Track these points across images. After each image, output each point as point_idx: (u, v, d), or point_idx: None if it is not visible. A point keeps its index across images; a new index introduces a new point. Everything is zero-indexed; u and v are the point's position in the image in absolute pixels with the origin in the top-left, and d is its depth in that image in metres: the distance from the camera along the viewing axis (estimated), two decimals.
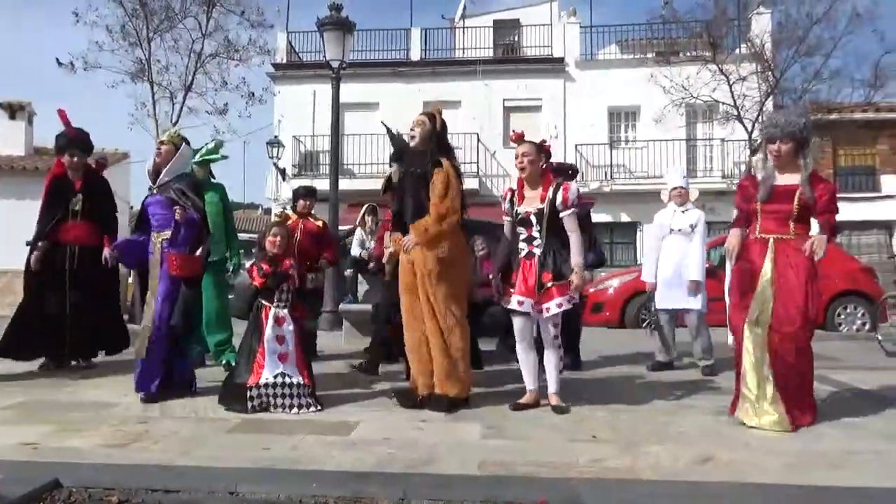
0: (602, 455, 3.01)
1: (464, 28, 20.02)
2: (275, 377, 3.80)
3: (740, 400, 3.63)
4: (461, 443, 3.21)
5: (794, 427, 3.46)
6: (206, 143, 5.44)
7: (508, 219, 4.07)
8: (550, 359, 3.95)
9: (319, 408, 3.84)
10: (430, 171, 3.91)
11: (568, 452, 3.04)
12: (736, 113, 13.74)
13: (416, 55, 19.38)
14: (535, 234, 3.92)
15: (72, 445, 3.08)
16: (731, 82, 13.65)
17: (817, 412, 3.66)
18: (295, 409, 3.75)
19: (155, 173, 4.32)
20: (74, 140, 5.07)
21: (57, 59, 15.54)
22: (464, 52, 19.51)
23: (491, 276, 6.42)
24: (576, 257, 3.82)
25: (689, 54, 15.04)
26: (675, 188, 5.60)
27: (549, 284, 3.80)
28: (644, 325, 10.11)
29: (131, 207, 17.78)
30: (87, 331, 5.01)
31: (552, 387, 3.95)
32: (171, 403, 3.97)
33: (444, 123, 4.15)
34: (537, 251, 3.89)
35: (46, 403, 3.99)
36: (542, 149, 4.08)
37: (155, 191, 4.29)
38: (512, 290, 3.91)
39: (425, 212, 3.88)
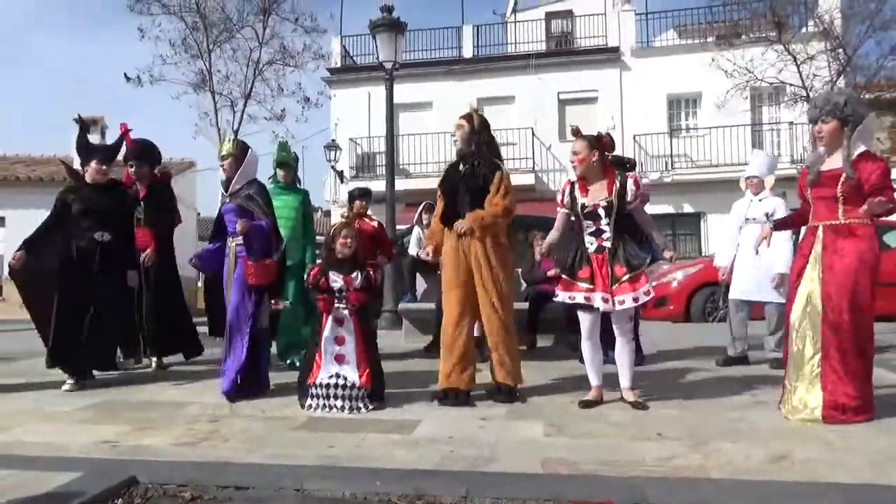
0: (669, 453, 2.92)
1: (515, 22, 19.89)
2: (330, 377, 3.86)
3: (784, 393, 3.52)
4: (523, 441, 3.18)
5: (840, 421, 3.30)
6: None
7: (564, 210, 4.00)
8: (625, 354, 3.87)
9: (377, 406, 3.87)
10: (480, 172, 3.99)
11: (633, 450, 2.97)
12: (805, 94, 13.10)
13: (468, 52, 19.37)
14: (605, 227, 3.83)
15: (147, 443, 3.20)
16: (798, 62, 13.04)
17: (874, 409, 3.44)
18: (346, 411, 3.78)
19: (227, 182, 4.48)
20: (134, 152, 5.32)
21: (125, 74, 16.32)
22: (516, 47, 19.38)
23: (550, 273, 6.39)
24: (659, 238, 3.94)
25: (752, 35, 14.44)
26: (748, 177, 5.40)
27: (624, 278, 3.72)
28: (711, 318, 9.83)
29: (198, 214, 18.48)
30: (160, 331, 5.26)
31: (626, 382, 3.88)
32: (239, 403, 4.09)
33: (482, 122, 4.13)
34: (607, 244, 3.81)
35: (123, 403, 4.17)
36: (600, 142, 3.94)
37: (228, 199, 4.45)
38: (580, 286, 3.82)
39: (475, 209, 3.99)
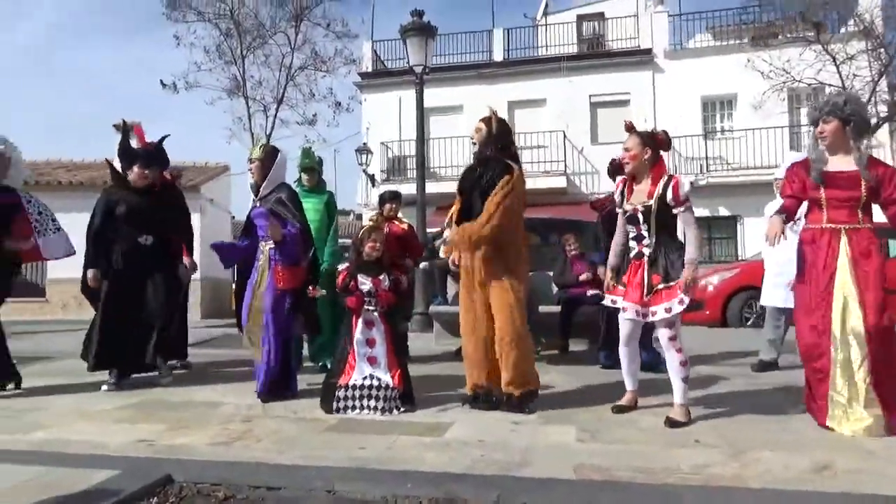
0: (706, 461, 2.85)
1: (546, 25, 19.79)
2: (363, 379, 3.87)
3: (830, 406, 3.35)
4: (556, 446, 3.14)
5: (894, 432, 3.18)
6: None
7: (621, 211, 3.85)
8: (670, 366, 3.61)
9: (408, 408, 3.88)
10: (492, 175, 3.89)
11: (668, 458, 2.91)
12: None
13: (498, 56, 19.33)
14: (644, 232, 3.66)
15: (182, 443, 3.25)
16: (837, 62, 12.72)
17: None
18: (379, 413, 3.79)
19: (256, 187, 4.52)
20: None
21: (161, 81, 16.68)
22: (547, 50, 19.28)
23: (581, 277, 6.32)
24: (691, 252, 3.51)
25: (789, 36, 14.13)
26: (775, 179, 5.29)
27: (659, 287, 3.55)
28: (749, 323, 9.63)
29: (233, 217, 18.77)
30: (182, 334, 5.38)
31: (676, 397, 3.58)
32: (271, 404, 4.13)
33: (501, 125, 4.07)
34: (647, 251, 3.64)
35: (159, 403, 4.25)
36: (655, 140, 3.74)
37: (258, 203, 4.48)
38: (620, 289, 3.74)
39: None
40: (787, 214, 3.58)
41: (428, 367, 5.61)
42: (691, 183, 3.76)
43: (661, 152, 3.75)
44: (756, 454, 2.94)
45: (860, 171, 3.35)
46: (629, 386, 3.91)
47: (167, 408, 4.10)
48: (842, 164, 3.43)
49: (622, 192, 3.81)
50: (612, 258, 3.91)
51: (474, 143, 4.10)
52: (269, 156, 4.51)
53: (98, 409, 4.08)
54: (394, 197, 6.12)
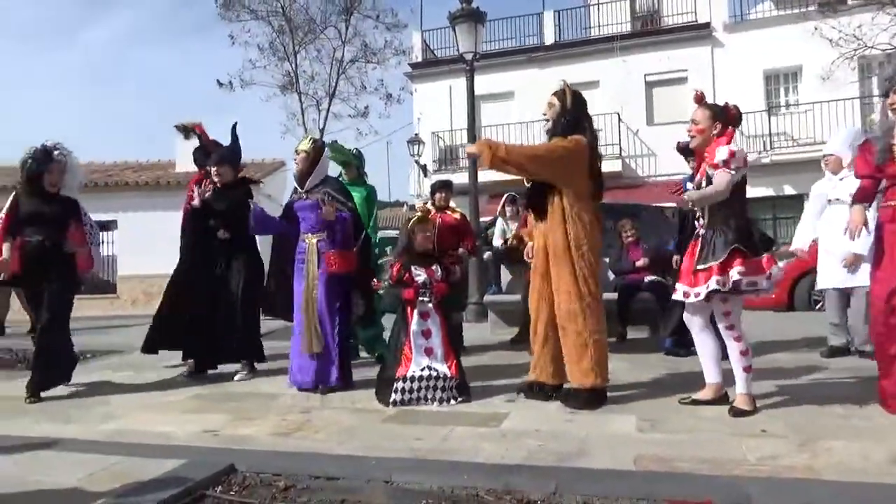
0: (774, 452, 2.73)
1: (598, 4, 19.29)
2: (422, 370, 3.87)
3: None
4: (615, 436, 3.08)
5: None
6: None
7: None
8: (731, 353, 3.45)
9: (465, 398, 3.87)
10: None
11: (734, 448, 2.80)
12: None
13: (549, 39, 18.99)
14: (699, 210, 3.50)
15: (244, 433, 3.34)
16: None
17: None
18: (438, 403, 3.81)
19: (301, 179, 4.58)
20: (210, 152, 5.45)
21: (217, 80, 17.14)
22: (599, 30, 18.80)
23: (637, 264, 6.15)
24: (699, 191, 3.43)
25: (859, 0, 13.33)
26: (824, 155, 5.02)
27: (699, 267, 3.38)
28: (818, 307, 9.20)
29: None
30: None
31: (738, 386, 3.43)
32: (329, 395, 4.19)
33: (576, 98, 3.85)
34: (702, 231, 3.47)
35: (222, 395, 4.37)
36: (726, 114, 3.56)
37: (305, 195, 4.53)
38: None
39: (551, 192, 3.74)
40: (864, 198, 3.39)
41: (483, 356, 5.59)
42: (731, 152, 3.35)
43: (731, 128, 3.56)
44: (827, 444, 2.81)
45: None
46: (709, 377, 3.60)
47: (229, 399, 4.22)
48: None
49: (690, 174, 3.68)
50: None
51: (547, 120, 3.88)
52: (318, 149, 4.59)
53: (165, 401, 4.24)
54: (443, 186, 6.08)
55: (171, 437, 3.31)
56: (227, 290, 4.88)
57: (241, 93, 17.93)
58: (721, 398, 3.55)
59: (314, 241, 4.42)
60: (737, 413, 3.35)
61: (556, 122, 3.82)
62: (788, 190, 16.19)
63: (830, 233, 4.82)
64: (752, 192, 16.12)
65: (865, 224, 3.29)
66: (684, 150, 4.87)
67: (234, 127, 5.24)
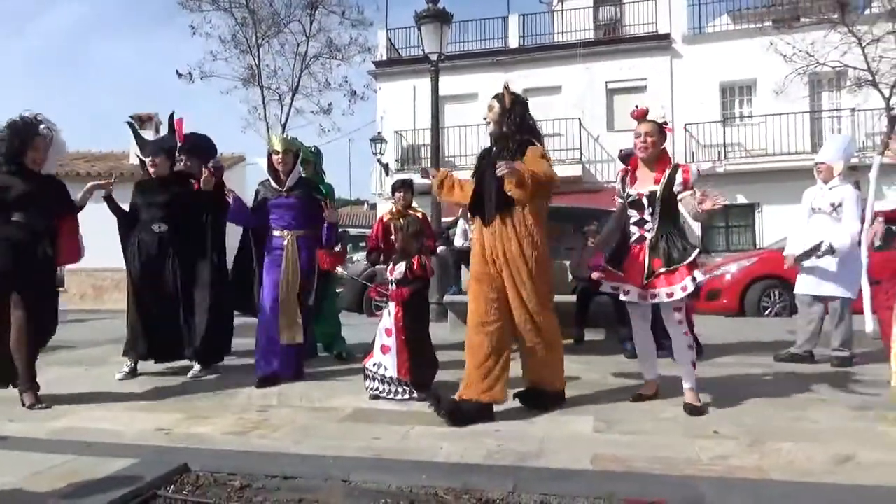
0: (726, 452, 2.81)
1: (562, 11, 19.54)
2: (373, 366, 3.99)
3: None
4: (572, 436, 3.12)
5: None
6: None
7: (620, 200, 3.86)
8: (679, 351, 3.63)
9: (419, 397, 3.86)
10: (510, 155, 3.57)
11: (687, 448, 2.87)
12: (870, 78, 12.45)
13: (514, 43, 19.14)
14: (647, 216, 3.65)
15: (199, 432, 3.27)
16: (863, 45, 12.40)
17: None
18: (390, 396, 3.93)
19: (281, 177, 4.60)
20: (182, 147, 5.34)
21: (177, 71, 16.74)
22: (563, 36, 19.04)
23: (594, 275, 6.21)
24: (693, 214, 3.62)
25: (812, 18, 13.80)
26: (816, 163, 5.11)
27: (660, 271, 3.53)
28: (766, 312, 9.50)
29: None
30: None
31: (685, 382, 3.62)
32: (287, 393, 4.13)
33: (516, 100, 3.73)
34: (648, 235, 3.64)
35: (175, 392, 4.27)
36: (663, 129, 3.75)
37: (285, 193, 4.57)
38: (619, 275, 3.70)
39: (506, 198, 3.52)
40: None
41: (442, 355, 5.57)
42: (699, 170, 3.70)
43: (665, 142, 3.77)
44: (776, 445, 2.90)
45: None
46: (646, 374, 3.88)
47: (184, 397, 4.12)
48: None
49: (623, 180, 3.82)
50: (604, 244, 3.88)
51: (488, 123, 3.83)
52: (297, 150, 4.75)
53: (116, 398, 4.11)
54: (402, 185, 6.06)
55: (121, 435, 3.22)
56: (172, 286, 4.72)
57: (201, 85, 17.54)
58: (657, 392, 3.84)
59: (292, 237, 4.54)
60: (692, 410, 3.51)
61: (500, 123, 3.72)
62: (741, 199, 16.68)
63: (812, 240, 4.91)
64: None
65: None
66: (626, 157, 5.00)
67: (170, 117, 5.14)
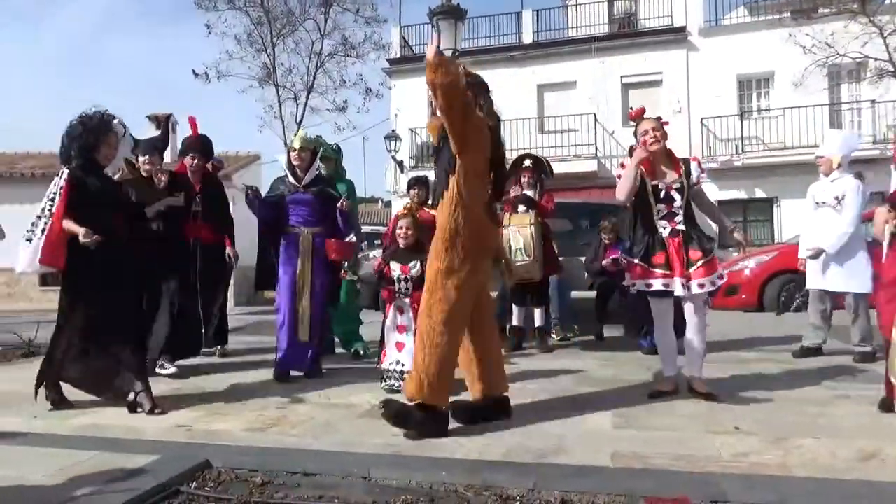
0: (747, 449, 2.78)
1: (577, 5, 19.41)
2: (390, 364, 4.04)
3: None
4: (592, 433, 3.10)
5: None
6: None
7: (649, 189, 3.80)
8: (697, 342, 3.69)
9: None
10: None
11: (708, 445, 2.85)
12: (892, 69, 12.25)
13: (528, 38, 19.05)
14: (677, 209, 3.70)
15: (219, 428, 3.29)
16: (885, 35, 12.20)
17: None
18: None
19: (300, 174, 4.63)
20: (193, 145, 5.39)
21: (193, 71, 16.88)
22: (577, 31, 18.92)
23: (603, 262, 6.17)
24: (725, 220, 3.84)
25: (833, 8, 13.60)
26: (817, 157, 5.08)
27: (699, 263, 3.60)
28: (788, 308, 9.39)
29: None
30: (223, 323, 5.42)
31: (696, 371, 3.73)
32: (305, 390, 4.15)
33: (471, 77, 3.35)
34: (681, 227, 3.68)
35: (195, 389, 4.30)
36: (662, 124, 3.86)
37: (302, 189, 4.61)
38: (657, 272, 3.65)
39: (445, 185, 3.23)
40: None
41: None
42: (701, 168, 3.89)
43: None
44: (798, 441, 2.86)
45: None
46: (668, 371, 3.87)
47: (203, 394, 4.15)
48: None
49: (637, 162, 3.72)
50: (637, 242, 3.81)
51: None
52: (314, 148, 4.80)
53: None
54: (417, 182, 6.06)
55: (143, 431, 3.25)
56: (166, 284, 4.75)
57: (217, 84, 17.68)
58: (676, 388, 3.83)
59: (309, 233, 4.55)
60: (711, 397, 3.61)
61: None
62: (759, 193, 16.50)
63: (817, 235, 4.91)
64: (723, 194, 16.61)
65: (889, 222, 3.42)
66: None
67: (167, 119, 5.18)
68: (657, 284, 3.66)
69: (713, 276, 3.61)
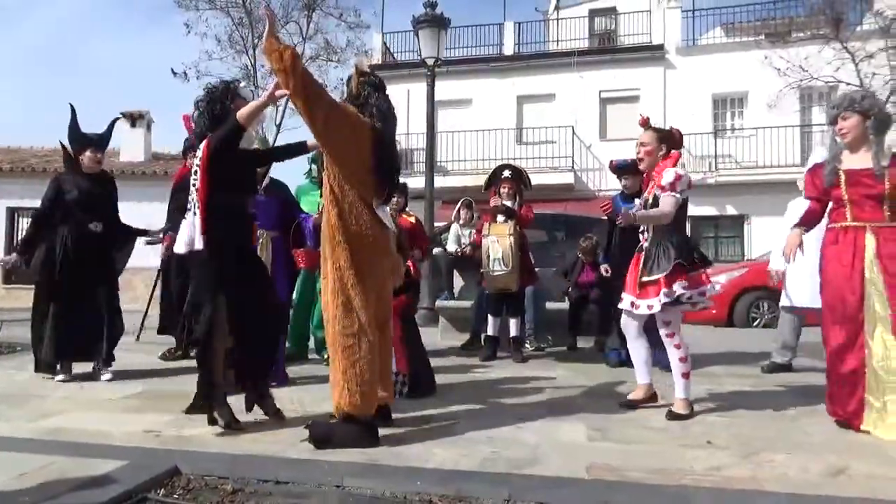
0: (719, 463, 2.81)
1: (558, 20, 19.65)
2: None
3: (866, 409, 3.30)
4: (566, 444, 3.10)
5: None
6: None
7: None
8: (670, 360, 3.67)
9: (417, 394, 4.01)
10: None
11: (681, 458, 2.87)
12: None
13: (509, 50, 19.23)
14: (644, 226, 3.73)
15: (189, 434, 3.22)
16: (856, 61, 12.56)
17: None
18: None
19: (259, 178, 4.52)
20: (195, 145, 5.32)
21: (172, 70, 16.66)
22: (558, 45, 19.15)
23: (573, 291, 6.22)
24: (648, 211, 3.64)
25: (807, 33, 13.98)
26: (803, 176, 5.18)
27: (644, 279, 3.60)
28: (756, 323, 9.55)
29: None
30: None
31: (677, 392, 3.64)
32: (279, 396, 4.07)
33: (365, 77, 3.29)
34: (645, 245, 3.71)
35: (165, 393, 4.22)
36: (671, 137, 3.81)
37: (262, 193, 4.50)
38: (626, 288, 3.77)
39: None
40: (811, 221, 3.61)
41: (433, 362, 5.55)
42: (677, 175, 3.61)
43: (674, 150, 3.80)
44: (769, 456, 2.90)
45: (874, 165, 3.30)
46: (639, 378, 3.89)
47: (173, 398, 4.06)
48: (864, 160, 3.38)
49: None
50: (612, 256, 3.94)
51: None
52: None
53: (103, 397, 4.06)
54: (396, 189, 6.04)
55: (110, 436, 3.17)
56: (99, 283, 4.68)
57: (197, 84, 17.46)
58: (651, 397, 3.85)
59: (268, 236, 4.50)
60: (674, 416, 3.57)
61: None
62: (730, 210, 16.82)
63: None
64: (696, 210, 16.76)
65: (800, 246, 3.48)
66: (617, 168, 5.13)
67: (112, 123, 5.03)
68: (622, 299, 3.78)
69: (652, 300, 3.54)
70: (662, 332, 3.65)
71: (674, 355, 3.64)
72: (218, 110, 3.42)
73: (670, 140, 3.78)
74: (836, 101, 3.54)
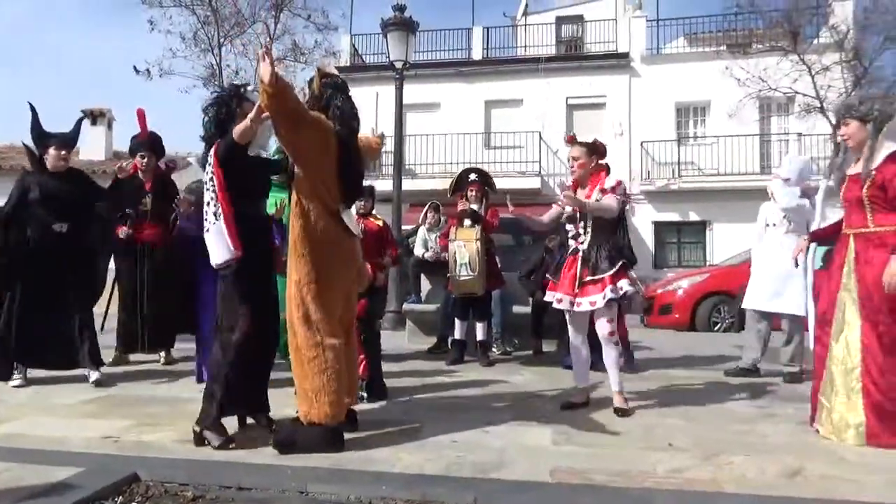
0: (681, 465, 2.86)
1: (526, 26, 19.82)
2: None
3: (819, 409, 3.41)
4: (531, 448, 3.12)
5: (886, 445, 3.13)
6: None
7: (558, 207, 4.12)
8: (607, 357, 3.85)
9: (375, 398, 4.02)
10: None
11: (643, 461, 2.91)
12: (819, 105, 13.02)
13: (477, 54, 19.31)
14: (581, 230, 3.92)
15: (149, 440, 3.16)
16: (812, 73, 12.97)
17: None
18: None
19: None
20: (144, 143, 5.22)
21: (134, 67, 16.33)
22: (526, 50, 19.32)
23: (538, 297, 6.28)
24: (595, 202, 3.80)
25: (766, 45, 14.38)
26: (774, 180, 5.27)
27: (587, 279, 3.78)
28: (717, 328, 9.76)
29: None
30: (165, 325, 5.16)
31: (613, 386, 3.87)
32: None
33: (328, 78, 3.31)
34: (582, 248, 3.89)
35: (125, 398, 4.13)
36: (596, 148, 4.03)
37: None
38: (558, 288, 3.94)
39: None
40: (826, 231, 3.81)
41: (400, 365, 5.55)
42: (618, 181, 3.92)
43: (604, 161, 4.05)
44: (729, 458, 2.96)
45: (862, 167, 3.29)
46: (578, 382, 4.04)
47: (133, 403, 3.98)
48: (858, 165, 3.39)
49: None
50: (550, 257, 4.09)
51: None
52: None
53: (60, 402, 3.95)
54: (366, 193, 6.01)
55: (66, 442, 3.08)
56: (66, 284, 4.56)
57: (160, 82, 17.15)
58: (588, 400, 4.02)
59: None
60: (622, 413, 3.75)
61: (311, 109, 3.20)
62: (693, 216, 17.16)
63: (764, 255, 5.09)
64: (659, 216, 17.17)
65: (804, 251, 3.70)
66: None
67: (78, 123, 4.90)
68: (551, 298, 3.95)
69: (595, 297, 3.72)
70: (604, 330, 3.80)
71: (612, 353, 3.85)
72: (224, 114, 3.35)
73: (597, 151, 4.02)
74: (835, 108, 3.68)
